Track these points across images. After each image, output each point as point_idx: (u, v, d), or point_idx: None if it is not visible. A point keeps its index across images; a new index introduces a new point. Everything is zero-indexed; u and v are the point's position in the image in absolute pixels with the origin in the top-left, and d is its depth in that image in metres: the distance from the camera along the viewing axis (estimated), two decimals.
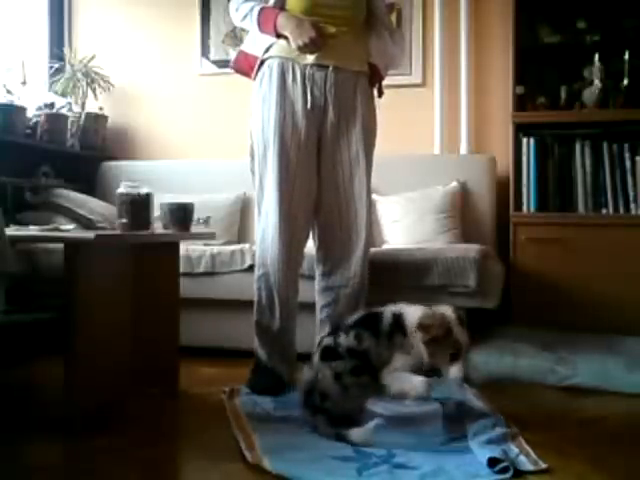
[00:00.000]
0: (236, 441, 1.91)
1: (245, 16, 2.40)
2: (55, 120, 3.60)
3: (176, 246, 2.56)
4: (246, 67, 2.50)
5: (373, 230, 3.41)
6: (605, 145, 3.26)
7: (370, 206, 2.49)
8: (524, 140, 3.33)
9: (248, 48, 2.49)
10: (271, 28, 2.32)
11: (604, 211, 3.25)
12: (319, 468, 1.69)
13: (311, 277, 2.57)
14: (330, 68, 2.35)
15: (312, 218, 2.46)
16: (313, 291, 2.54)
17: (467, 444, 1.84)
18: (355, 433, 1.86)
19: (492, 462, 1.70)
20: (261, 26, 2.36)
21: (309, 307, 2.56)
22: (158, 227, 2.44)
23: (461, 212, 3.36)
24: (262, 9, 2.35)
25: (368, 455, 1.78)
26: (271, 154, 2.37)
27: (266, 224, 2.41)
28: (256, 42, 2.45)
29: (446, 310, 1.98)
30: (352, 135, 2.41)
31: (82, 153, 3.80)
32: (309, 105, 2.35)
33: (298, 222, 2.40)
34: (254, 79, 2.46)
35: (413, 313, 1.97)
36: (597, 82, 3.28)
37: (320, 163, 2.43)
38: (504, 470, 1.67)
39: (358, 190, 2.43)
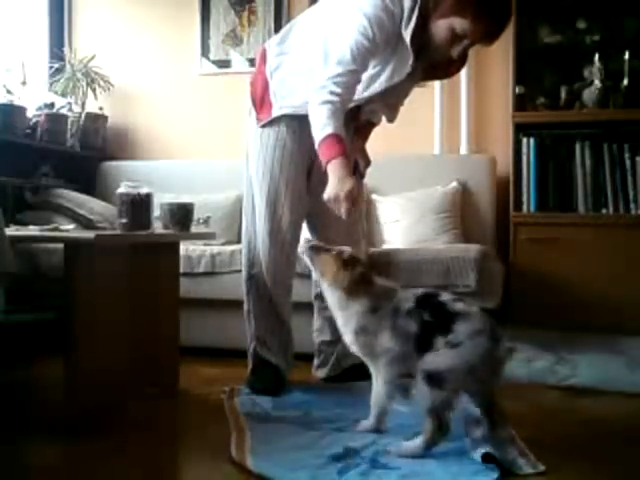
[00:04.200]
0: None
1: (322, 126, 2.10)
2: (55, 120, 3.60)
3: (176, 246, 2.56)
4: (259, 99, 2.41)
5: (373, 230, 3.42)
6: (605, 145, 3.26)
7: (362, 216, 2.45)
8: (524, 140, 3.33)
9: (278, 97, 2.34)
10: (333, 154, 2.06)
11: (604, 211, 3.25)
12: (300, 468, 1.68)
13: (310, 277, 2.56)
14: None
15: (300, 230, 2.44)
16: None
17: (459, 445, 1.81)
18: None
19: (486, 459, 1.69)
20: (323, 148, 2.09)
21: (308, 307, 2.56)
22: (158, 227, 2.44)
23: (461, 212, 3.36)
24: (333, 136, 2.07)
25: (354, 456, 1.75)
26: (265, 179, 2.35)
27: (255, 238, 2.39)
28: (282, 104, 2.33)
29: None
30: None
31: (82, 153, 3.81)
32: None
33: (287, 240, 2.36)
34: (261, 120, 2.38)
35: None
36: (597, 82, 3.28)
37: (310, 181, 2.42)
38: (493, 469, 1.66)
39: None
